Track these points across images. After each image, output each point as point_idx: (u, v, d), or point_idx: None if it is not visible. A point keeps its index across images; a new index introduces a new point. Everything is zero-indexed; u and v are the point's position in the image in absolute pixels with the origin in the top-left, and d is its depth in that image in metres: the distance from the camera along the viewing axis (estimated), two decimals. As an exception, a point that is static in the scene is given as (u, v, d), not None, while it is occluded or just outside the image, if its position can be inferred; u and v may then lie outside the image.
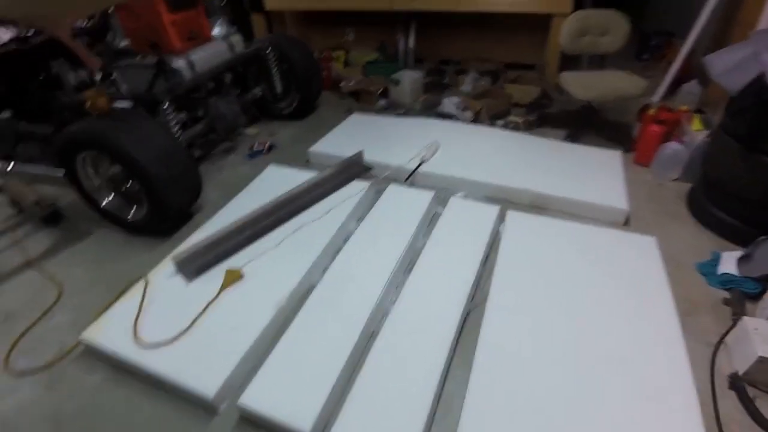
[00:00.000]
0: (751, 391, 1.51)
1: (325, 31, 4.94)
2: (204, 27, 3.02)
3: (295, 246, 2.14)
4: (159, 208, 2.26)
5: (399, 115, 3.63)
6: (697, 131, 2.59)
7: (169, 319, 1.78)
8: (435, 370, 1.53)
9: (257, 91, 3.50)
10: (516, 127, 3.27)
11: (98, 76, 3.06)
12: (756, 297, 1.83)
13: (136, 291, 1.95)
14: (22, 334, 1.90)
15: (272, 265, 2.04)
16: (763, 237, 1.91)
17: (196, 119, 3.09)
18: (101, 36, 3.55)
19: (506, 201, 2.48)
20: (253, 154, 3.22)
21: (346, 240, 2.20)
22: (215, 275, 2.00)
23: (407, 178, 2.69)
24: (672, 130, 2.74)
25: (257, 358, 1.66)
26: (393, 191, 2.50)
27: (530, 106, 3.49)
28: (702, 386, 1.51)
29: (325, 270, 2.03)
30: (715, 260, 2.01)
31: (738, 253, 1.97)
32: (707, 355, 1.63)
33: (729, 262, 1.95)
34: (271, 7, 4.63)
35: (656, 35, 4.44)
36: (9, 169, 3.06)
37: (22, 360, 1.80)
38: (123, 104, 2.66)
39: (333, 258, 2.09)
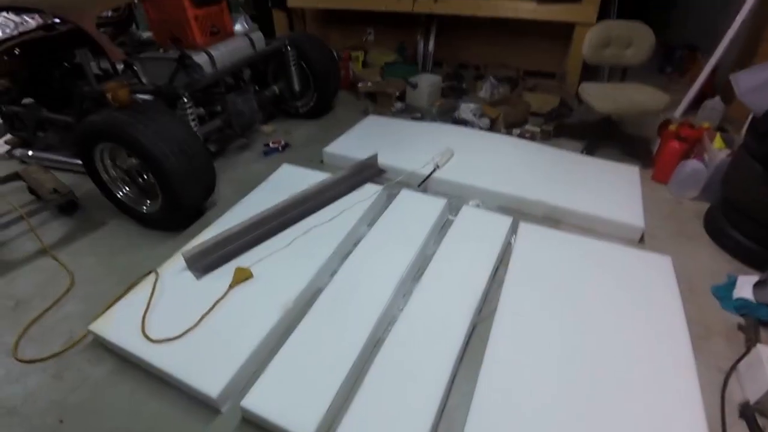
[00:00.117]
0: (762, 421, 1.47)
1: (345, 30, 4.95)
2: (226, 23, 3.05)
3: (305, 247, 2.14)
4: (173, 202, 2.27)
5: (415, 118, 3.61)
6: (718, 150, 2.54)
7: (177, 315, 1.80)
8: (440, 382, 1.52)
9: (275, 88, 3.51)
10: (532, 137, 3.24)
11: (120, 67, 3.10)
12: (771, 324, 1.79)
13: (146, 284, 1.96)
14: (32, 322, 1.93)
15: (281, 265, 2.05)
16: (781, 263, 1.87)
17: (213, 114, 3.11)
18: (126, 27, 3.60)
19: (519, 212, 2.46)
20: (267, 152, 3.23)
21: (356, 244, 2.19)
22: (225, 272, 2.01)
23: (420, 184, 2.67)
24: (692, 147, 2.69)
25: (262, 360, 1.67)
26: (405, 196, 2.49)
27: (548, 116, 3.46)
28: (712, 413, 1.48)
29: (333, 274, 2.03)
30: (731, 284, 1.96)
31: (755, 277, 1.93)
32: (718, 382, 1.60)
33: (745, 287, 1.91)
34: (293, 5, 4.64)
35: (679, 48, 4.37)
36: (29, 155, 3.13)
37: (30, 348, 1.82)
38: (143, 97, 2.68)
39: (342, 262, 2.09)
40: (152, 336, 1.71)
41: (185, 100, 2.60)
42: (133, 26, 3.71)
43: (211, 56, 2.82)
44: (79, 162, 2.44)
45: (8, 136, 3.30)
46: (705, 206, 2.47)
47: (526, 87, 3.87)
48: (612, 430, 1.40)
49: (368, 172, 2.73)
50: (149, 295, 1.89)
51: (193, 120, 2.67)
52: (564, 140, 3.24)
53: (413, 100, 3.87)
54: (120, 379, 1.68)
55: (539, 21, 3.71)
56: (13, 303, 2.04)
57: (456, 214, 2.36)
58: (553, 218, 2.43)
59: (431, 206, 2.39)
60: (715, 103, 3.27)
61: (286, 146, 3.30)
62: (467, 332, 1.72)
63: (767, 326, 1.79)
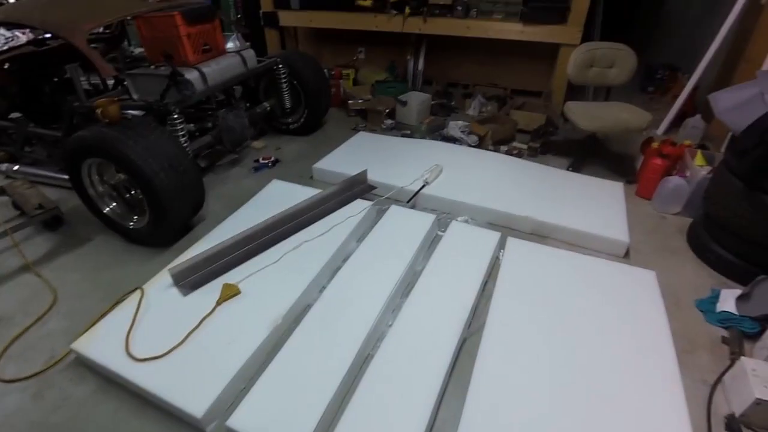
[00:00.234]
0: (747, 434, 1.48)
1: (336, 49, 5.02)
2: (219, 41, 3.08)
3: (294, 263, 2.14)
4: (161, 218, 2.26)
5: (404, 135, 3.66)
6: (699, 166, 2.61)
7: (162, 332, 1.77)
8: (429, 398, 1.51)
9: (267, 105, 3.54)
10: (520, 154, 3.29)
11: (111, 83, 3.11)
12: (754, 337, 1.82)
13: (130, 301, 1.94)
14: (13, 340, 1.88)
15: (270, 281, 2.04)
16: (762, 276, 1.90)
17: (204, 130, 3.11)
18: (117, 43, 3.61)
19: (507, 228, 2.49)
20: (257, 168, 3.24)
21: (345, 260, 2.19)
22: (212, 289, 1.99)
23: (409, 200, 2.69)
24: (674, 164, 2.76)
25: (249, 378, 1.64)
26: (395, 212, 2.51)
27: (535, 133, 3.52)
28: (698, 426, 1.49)
29: (322, 289, 2.02)
30: (715, 297, 2.00)
31: (737, 291, 1.96)
32: (704, 395, 1.61)
33: (728, 300, 1.94)
34: (285, 23, 4.71)
35: (661, 68, 4.50)
36: (14, 170, 3.09)
37: (11, 366, 1.78)
38: (134, 112, 2.68)
39: (331, 278, 2.09)
40: (136, 354, 1.67)
41: (176, 116, 2.60)
42: (125, 42, 3.73)
43: (202, 73, 2.84)
44: (66, 177, 2.42)
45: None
46: (688, 221, 2.52)
47: (513, 105, 3.94)
48: (600, 445, 1.40)
49: (358, 188, 2.74)
50: (134, 312, 1.86)
51: (184, 136, 2.67)
52: (550, 157, 3.30)
53: (403, 118, 3.93)
54: (103, 399, 1.65)
55: (526, 42, 3.80)
56: (-6, 320, 2.00)
57: (445, 230, 2.38)
58: (540, 234, 2.46)
59: (420, 222, 2.40)
60: (695, 122, 3.37)
61: (276, 162, 3.31)
62: (456, 347, 1.72)
63: (751, 339, 1.82)
